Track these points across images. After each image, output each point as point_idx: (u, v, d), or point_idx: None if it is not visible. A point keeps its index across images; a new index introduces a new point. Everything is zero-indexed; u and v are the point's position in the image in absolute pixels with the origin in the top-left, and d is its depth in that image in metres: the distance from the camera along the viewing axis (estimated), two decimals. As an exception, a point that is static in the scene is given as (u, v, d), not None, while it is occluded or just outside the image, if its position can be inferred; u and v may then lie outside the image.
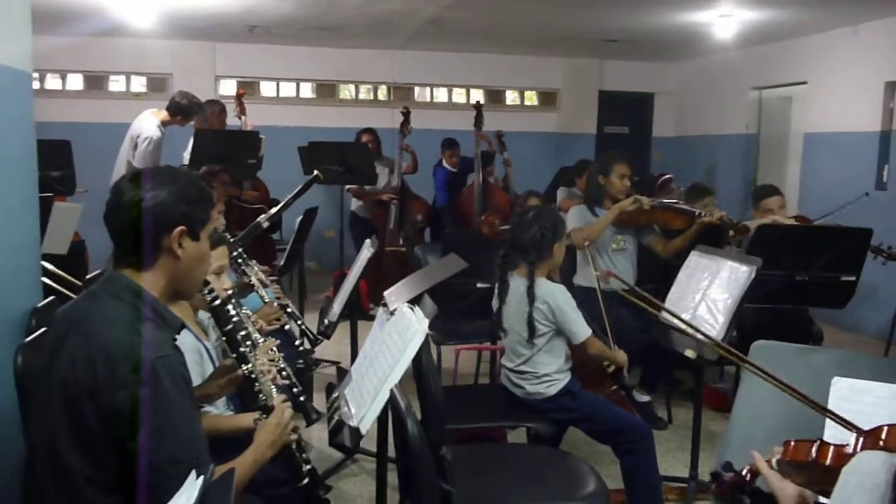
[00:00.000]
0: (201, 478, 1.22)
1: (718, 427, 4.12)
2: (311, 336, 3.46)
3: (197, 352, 2.20)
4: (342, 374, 2.67)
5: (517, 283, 3.03)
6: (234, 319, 1.92)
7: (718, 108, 8.52)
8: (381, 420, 2.45)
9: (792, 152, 7.67)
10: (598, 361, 3.16)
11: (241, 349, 1.91)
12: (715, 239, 4.05)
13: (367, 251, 3.45)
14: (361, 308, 5.85)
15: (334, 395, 2.47)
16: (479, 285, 3.83)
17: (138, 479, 1.53)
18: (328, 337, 3.41)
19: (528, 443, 3.18)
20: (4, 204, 2.45)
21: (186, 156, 6.09)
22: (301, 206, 4.82)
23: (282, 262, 5.05)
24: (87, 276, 3.24)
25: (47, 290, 2.97)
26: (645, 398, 4.15)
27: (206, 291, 1.87)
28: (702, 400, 3.38)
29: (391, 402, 1.97)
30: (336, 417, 2.30)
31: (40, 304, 2.59)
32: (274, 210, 4.09)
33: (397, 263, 6.28)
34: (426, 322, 2.13)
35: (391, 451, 2.24)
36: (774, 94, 7.96)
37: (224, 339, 1.92)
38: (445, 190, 6.97)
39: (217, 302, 1.88)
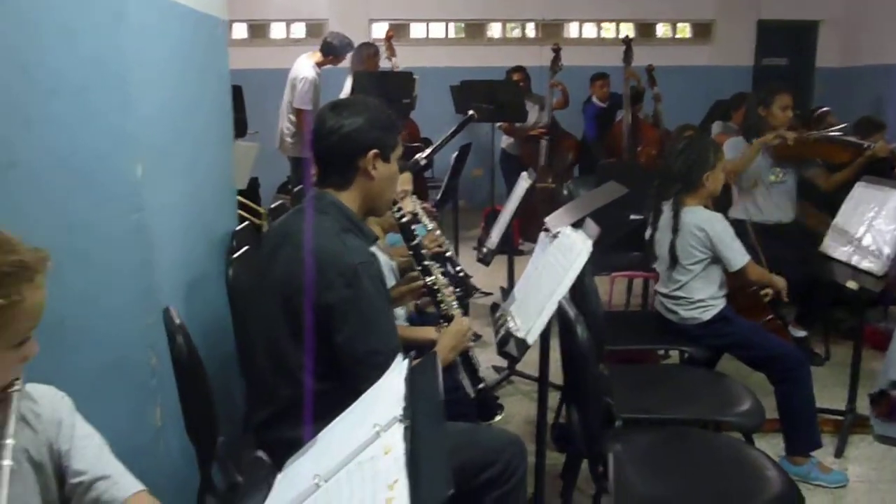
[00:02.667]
0: (405, 361, 1.43)
1: (879, 366, 4.02)
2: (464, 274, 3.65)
3: (386, 265, 2.45)
4: (505, 294, 2.85)
5: (669, 212, 3.09)
6: (419, 236, 2.14)
7: (893, 34, 7.93)
8: (543, 342, 2.63)
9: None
10: (755, 290, 3.18)
11: (426, 262, 2.13)
12: (880, 174, 3.90)
13: (524, 182, 3.58)
14: (512, 243, 6.03)
15: (498, 312, 2.66)
16: (632, 217, 3.90)
17: (344, 368, 1.79)
18: (487, 264, 3.60)
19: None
20: (206, 142, 2.76)
21: (344, 97, 6.42)
22: (454, 143, 5.02)
23: (437, 198, 5.27)
24: (295, 189, 3.54)
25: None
26: (801, 333, 4.10)
27: (395, 210, 2.09)
28: (862, 337, 3.33)
29: (558, 314, 2.12)
30: (502, 332, 2.49)
31: (238, 228, 2.92)
32: (432, 148, 4.30)
33: (547, 200, 6.38)
34: (590, 242, 2.26)
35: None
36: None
37: (410, 252, 2.14)
38: (595, 125, 6.96)
39: (404, 219, 2.10)
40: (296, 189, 4.39)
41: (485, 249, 3.66)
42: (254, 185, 5.50)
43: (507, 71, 6.92)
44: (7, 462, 1.07)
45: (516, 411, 3.67)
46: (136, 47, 1.99)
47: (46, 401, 1.27)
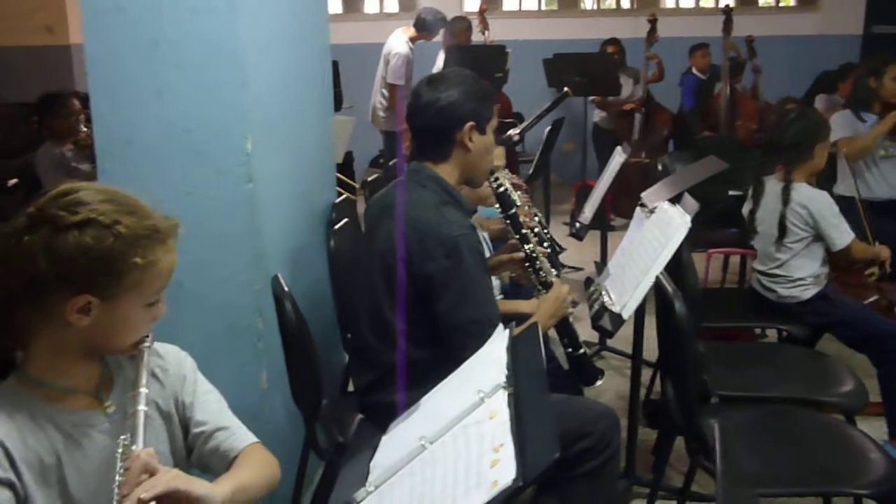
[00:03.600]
0: (506, 332, 1.47)
1: None
2: (557, 245, 3.66)
3: (482, 238, 2.49)
4: (599, 269, 2.86)
5: (773, 185, 3.02)
6: (517, 205, 2.17)
7: None
8: (638, 318, 2.62)
9: None
10: (860, 268, 3.09)
11: (523, 231, 2.16)
12: None
13: (619, 156, 3.55)
14: (605, 218, 5.98)
15: (592, 287, 2.67)
16: (730, 193, 3.82)
17: (443, 337, 1.84)
18: (580, 239, 3.59)
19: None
20: (309, 116, 2.85)
21: (435, 70, 6.46)
22: (547, 118, 5.00)
23: (529, 172, 5.27)
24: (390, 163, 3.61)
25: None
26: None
27: (493, 179, 2.12)
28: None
29: (656, 289, 2.12)
30: (596, 307, 2.50)
31: (338, 200, 3.01)
32: (525, 124, 4.29)
33: (640, 175, 6.28)
34: (688, 218, 2.24)
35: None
36: None
37: (508, 221, 2.17)
38: (694, 96, 6.77)
39: (502, 189, 2.13)
40: (390, 162, 4.47)
41: (577, 224, 3.65)
42: (348, 158, 5.64)
43: (601, 43, 6.81)
44: (142, 407, 1.17)
45: (608, 387, 3.67)
46: (249, 26, 2.08)
47: (172, 357, 1.38)
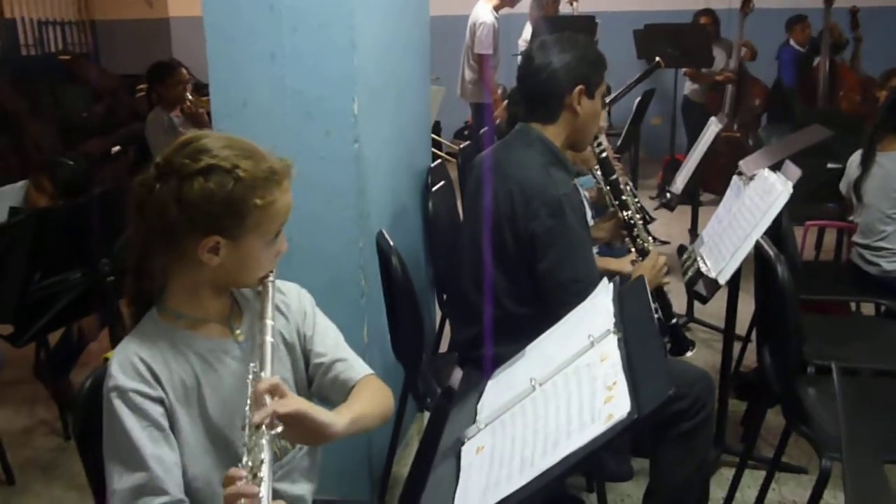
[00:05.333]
0: (611, 284, 1.51)
1: None
2: (647, 215, 3.65)
3: (585, 200, 2.53)
4: (693, 237, 2.85)
5: (885, 157, 2.94)
6: (618, 171, 2.19)
7: None
8: (732, 289, 2.61)
9: None
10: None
11: (624, 197, 2.19)
12: None
13: (714, 127, 3.51)
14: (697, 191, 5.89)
15: (686, 254, 2.67)
16: (829, 166, 3.71)
17: (545, 294, 1.89)
18: (671, 209, 3.58)
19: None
20: (409, 83, 2.92)
21: (522, 43, 6.45)
22: (636, 89, 4.94)
23: (617, 145, 5.23)
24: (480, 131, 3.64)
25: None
26: None
27: (596, 145, 2.15)
28: None
29: (756, 254, 2.11)
30: (690, 273, 2.51)
31: (433, 165, 3.08)
32: (614, 94, 4.25)
33: (730, 150, 6.14)
34: (790, 184, 2.22)
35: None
36: None
37: (608, 187, 2.20)
38: (793, 70, 6.56)
39: (604, 154, 2.16)
40: (480, 131, 4.51)
41: (668, 194, 3.63)
42: (436, 128, 5.70)
43: (693, 14, 6.65)
44: (269, 338, 1.26)
45: (695, 359, 3.64)
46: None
47: (293, 294, 1.47)
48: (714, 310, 3.55)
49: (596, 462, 2.31)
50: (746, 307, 2.71)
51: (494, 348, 1.93)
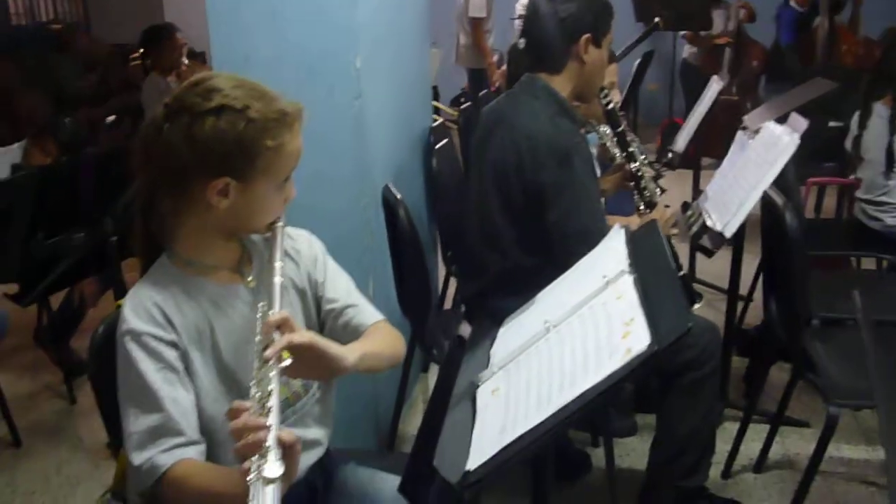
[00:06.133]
0: (623, 229, 1.50)
1: None
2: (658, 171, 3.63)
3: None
4: (697, 194, 2.84)
5: (881, 110, 2.93)
6: (624, 124, 2.18)
7: None
8: (737, 244, 2.61)
9: None
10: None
11: (631, 149, 2.17)
12: None
13: (716, 85, 3.48)
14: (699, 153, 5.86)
15: (689, 210, 2.66)
16: (830, 124, 3.70)
17: (553, 245, 1.89)
18: (674, 168, 3.56)
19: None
20: (409, 42, 2.89)
21: (520, 7, 6.38)
22: (635, 52, 4.90)
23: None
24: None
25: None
26: None
27: (602, 96, 2.13)
28: None
29: (763, 204, 2.11)
30: (695, 228, 2.50)
31: (434, 125, 3.06)
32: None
33: (728, 113, 6.11)
34: (797, 135, 2.21)
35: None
36: None
37: (616, 139, 2.18)
38: (792, 31, 6.50)
39: (611, 106, 2.14)
40: (480, 94, 4.48)
41: (669, 154, 3.61)
42: (434, 94, 5.66)
43: (691, -24, 6.59)
44: (278, 279, 1.25)
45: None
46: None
47: (303, 240, 1.46)
48: (715, 270, 3.56)
49: (601, 417, 2.33)
50: (747, 267, 2.71)
51: (503, 300, 1.92)
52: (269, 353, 1.12)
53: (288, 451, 1.03)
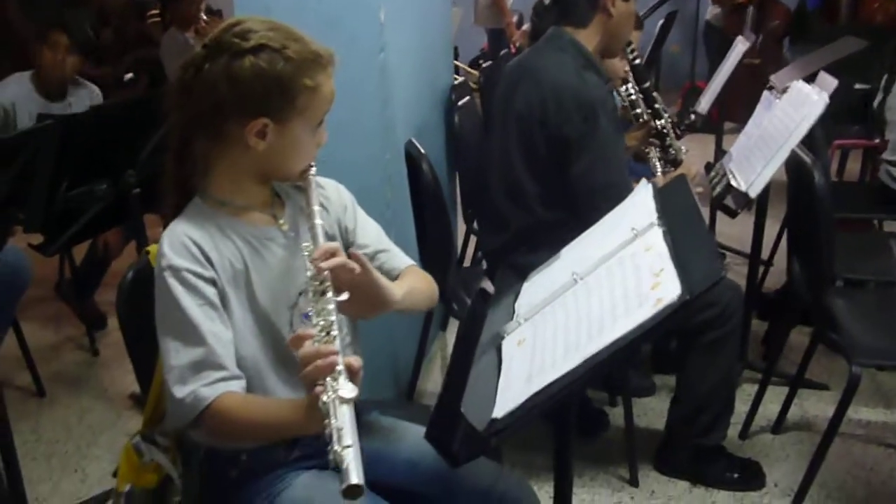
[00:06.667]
0: (650, 184, 1.49)
1: None
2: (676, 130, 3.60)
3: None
4: (721, 154, 2.81)
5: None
6: (650, 80, 2.15)
7: None
8: (760, 206, 2.58)
9: None
10: None
11: (657, 105, 2.15)
12: None
13: (741, 45, 3.43)
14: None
15: (713, 172, 2.63)
16: (856, 86, 3.64)
17: (577, 199, 1.87)
18: (696, 130, 3.52)
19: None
20: (432, 6, 2.85)
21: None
22: (658, 12, 4.85)
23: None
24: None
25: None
26: None
27: (629, 50, 2.10)
28: None
29: (791, 162, 2.08)
30: (719, 189, 2.48)
31: (456, 83, 3.04)
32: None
33: (750, 77, 6.02)
34: (825, 94, 2.17)
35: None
36: None
37: (641, 95, 2.16)
38: (818, -7, 6.39)
39: (637, 61, 2.11)
40: (501, 53, 4.43)
41: (692, 115, 3.57)
42: (454, 53, 5.60)
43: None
44: (318, 221, 1.25)
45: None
46: None
47: (332, 188, 1.47)
48: (735, 234, 3.54)
49: (620, 376, 2.33)
50: (768, 231, 2.69)
51: (525, 255, 1.92)
52: (325, 264, 1.13)
53: (355, 376, 1.05)
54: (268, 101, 1.22)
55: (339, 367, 1.02)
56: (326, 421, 0.97)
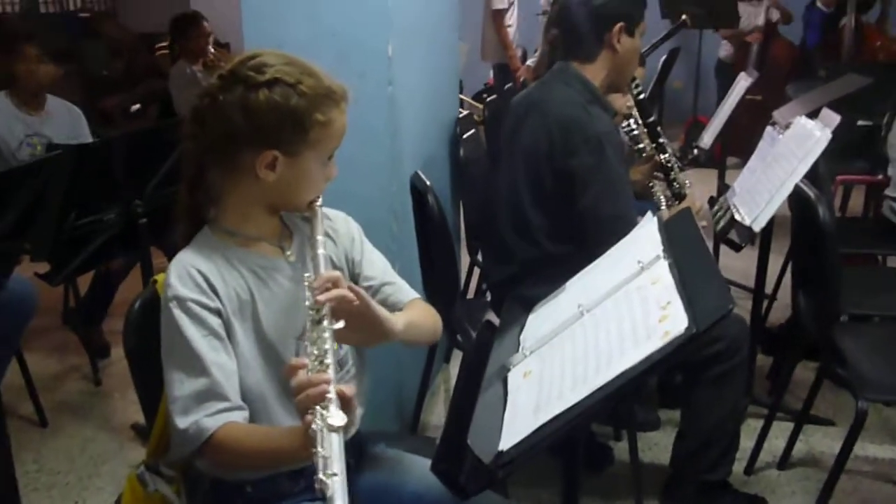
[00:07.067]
0: (656, 216, 1.49)
1: None
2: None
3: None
4: (725, 189, 2.82)
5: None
6: (654, 115, 2.17)
7: None
8: (764, 239, 2.59)
9: None
10: None
11: (661, 140, 2.17)
12: None
13: (744, 81, 3.47)
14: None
15: (717, 206, 2.64)
16: (859, 123, 3.66)
17: (583, 232, 1.88)
18: (699, 165, 3.54)
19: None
20: (438, 33, 2.88)
21: (544, 2, 6.37)
22: (661, 49, 4.86)
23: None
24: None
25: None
26: None
27: (634, 86, 2.13)
28: None
29: (795, 197, 2.09)
30: (723, 223, 2.49)
31: (461, 115, 3.06)
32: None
33: (752, 113, 6.06)
34: (828, 130, 2.19)
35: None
36: None
37: (646, 129, 2.18)
38: (819, 31, 6.45)
39: (642, 96, 2.13)
40: (505, 87, 4.47)
41: (696, 150, 3.59)
42: (459, 87, 5.65)
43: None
44: (322, 251, 1.27)
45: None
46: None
47: (340, 220, 1.48)
48: (739, 268, 3.54)
49: (626, 410, 2.32)
50: (772, 265, 2.70)
51: (531, 288, 1.92)
52: (322, 297, 1.14)
53: (347, 405, 1.05)
54: (280, 134, 1.24)
55: (331, 396, 1.03)
56: (313, 449, 0.97)
